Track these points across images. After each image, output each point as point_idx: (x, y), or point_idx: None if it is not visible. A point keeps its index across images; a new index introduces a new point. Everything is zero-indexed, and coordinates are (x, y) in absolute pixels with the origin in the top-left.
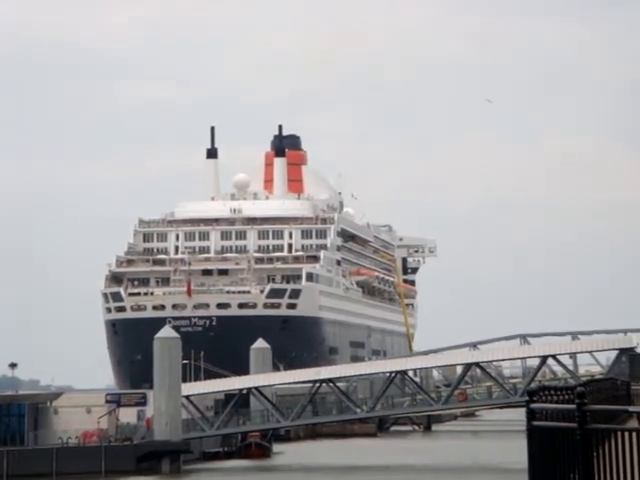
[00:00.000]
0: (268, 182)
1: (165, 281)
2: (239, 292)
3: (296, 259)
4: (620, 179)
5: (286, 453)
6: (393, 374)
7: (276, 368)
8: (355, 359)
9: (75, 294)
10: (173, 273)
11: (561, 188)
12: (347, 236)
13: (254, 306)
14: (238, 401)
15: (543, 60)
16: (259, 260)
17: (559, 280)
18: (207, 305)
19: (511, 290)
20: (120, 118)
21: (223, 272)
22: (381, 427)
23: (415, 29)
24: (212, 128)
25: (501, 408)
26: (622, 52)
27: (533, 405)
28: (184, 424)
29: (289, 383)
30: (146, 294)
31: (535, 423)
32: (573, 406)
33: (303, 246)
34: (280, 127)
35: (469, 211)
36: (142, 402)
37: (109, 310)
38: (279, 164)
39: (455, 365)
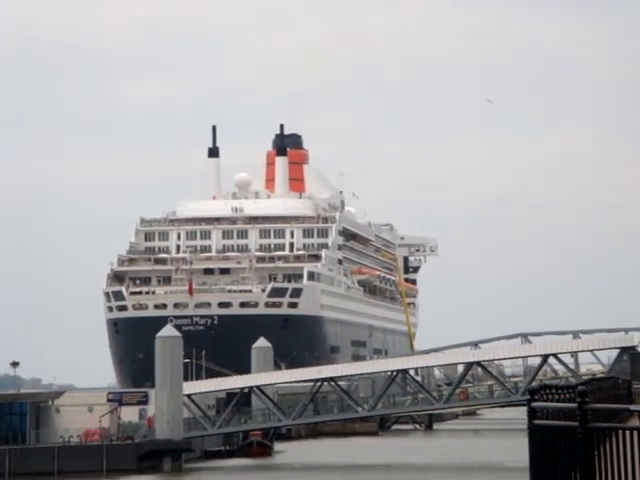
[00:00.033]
0: (269, 181)
1: (167, 280)
2: (240, 291)
3: (297, 258)
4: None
5: (287, 452)
6: (394, 373)
7: (277, 367)
8: (356, 358)
9: (77, 293)
10: (175, 272)
11: (561, 187)
12: (348, 235)
13: (255, 305)
14: (240, 400)
15: (543, 60)
16: (260, 259)
17: (560, 279)
18: (209, 304)
19: (512, 289)
20: (120, 118)
21: (225, 271)
22: (382, 426)
23: (415, 29)
24: (214, 127)
25: (502, 407)
26: (622, 52)
27: (534, 404)
28: (186, 423)
29: (290, 382)
30: (148, 293)
31: (536, 422)
32: (574, 405)
33: (304, 245)
34: (281, 126)
35: (470, 210)
36: (144, 401)
37: (111, 309)
38: (280, 163)
39: (456, 364)
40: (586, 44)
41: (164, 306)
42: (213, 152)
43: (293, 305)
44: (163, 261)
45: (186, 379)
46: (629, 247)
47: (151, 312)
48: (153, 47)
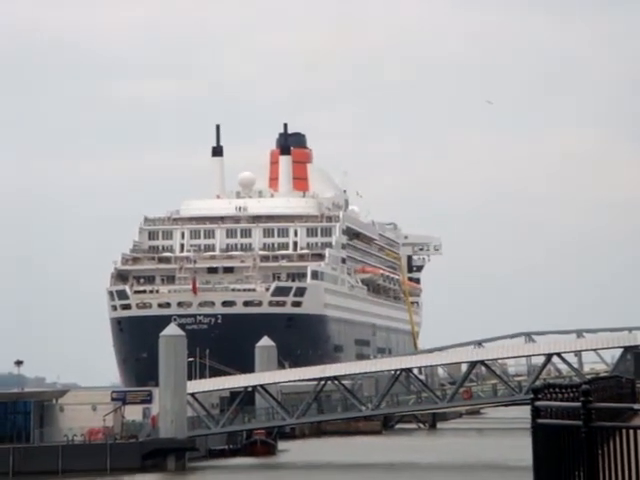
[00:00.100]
0: (273, 180)
1: (170, 279)
2: (244, 290)
3: (301, 257)
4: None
5: (291, 451)
6: (398, 372)
7: (281, 366)
8: (360, 357)
9: (79, 292)
10: (178, 271)
11: (563, 185)
12: (352, 234)
13: (259, 304)
14: (243, 399)
15: (543, 60)
16: (264, 258)
17: (564, 278)
18: (212, 303)
19: (516, 288)
20: (121, 118)
21: (228, 270)
22: (386, 425)
23: (415, 29)
24: (217, 126)
25: (506, 406)
26: (622, 52)
27: (538, 403)
28: (189, 422)
29: (294, 381)
30: (151, 292)
31: (540, 421)
32: (578, 404)
33: (308, 244)
34: (285, 125)
35: (474, 209)
36: (147, 400)
37: (115, 308)
38: (284, 162)
39: (460, 363)
40: (586, 44)
41: (168, 305)
42: (217, 151)
43: (297, 304)
44: (167, 260)
45: (190, 378)
46: (635, 245)
47: (155, 311)
48: (153, 47)
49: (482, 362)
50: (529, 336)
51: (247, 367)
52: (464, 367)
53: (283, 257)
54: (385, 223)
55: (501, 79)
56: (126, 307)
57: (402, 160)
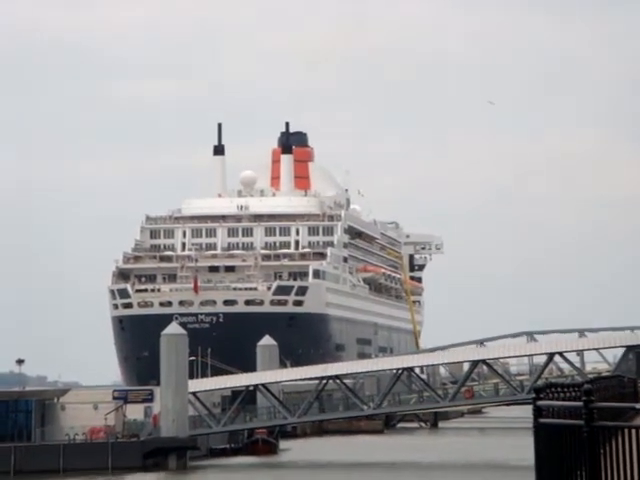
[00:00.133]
0: (275, 179)
1: (172, 278)
2: (246, 289)
3: (303, 256)
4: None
5: (293, 450)
6: (400, 371)
7: (283, 365)
8: (362, 356)
9: (82, 291)
10: (180, 270)
11: (563, 185)
12: (354, 233)
13: (261, 303)
14: (245, 398)
15: (543, 60)
16: (266, 257)
17: (565, 277)
18: (214, 302)
19: (517, 287)
20: (121, 117)
21: (230, 269)
22: (388, 424)
23: (415, 28)
24: (219, 125)
25: (508, 405)
26: (622, 52)
27: (540, 402)
28: (191, 421)
29: (296, 380)
30: (153, 290)
31: (542, 420)
32: (580, 403)
33: (310, 243)
34: (287, 124)
35: (474, 209)
36: (149, 399)
37: (116, 306)
38: (286, 161)
39: (462, 362)
40: (586, 44)
41: (169, 304)
42: (219, 150)
43: (298, 303)
44: (168, 259)
45: (191, 377)
46: (635, 245)
47: (156, 310)
48: (153, 47)
49: (484, 361)
50: (531, 335)
51: (248, 366)
52: (466, 366)
53: (285, 256)
54: (387, 222)
55: (501, 79)
56: (127, 306)
57: (402, 160)
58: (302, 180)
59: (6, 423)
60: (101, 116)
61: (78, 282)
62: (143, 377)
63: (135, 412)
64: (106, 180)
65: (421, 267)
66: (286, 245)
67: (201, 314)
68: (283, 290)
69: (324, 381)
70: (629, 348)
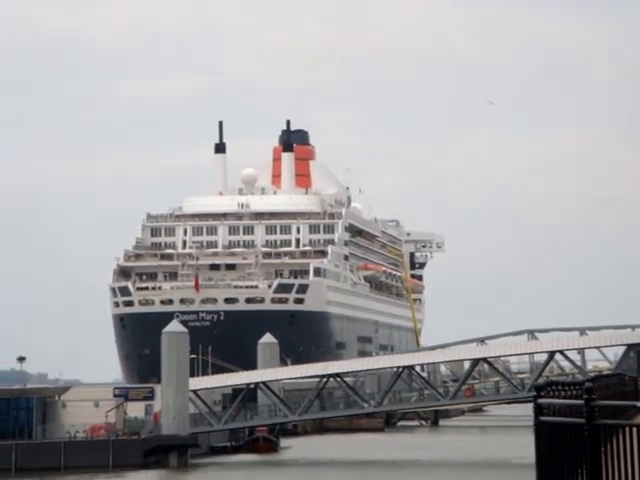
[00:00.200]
0: (276, 177)
1: (173, 275)
2: (247, 287)
3: (304, 254)
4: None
5: (293, 448)
6: (400, 369)
7: (283, 363)
8: (362, 354)
9: (83, 289)
10: (181, 268)
11: (563, 185)
12: (355, 231)
13: (262, 301)
14: (246, 396)
15: (543, 60)
16: (267, 255)
17: (566, 276)
18: (215, 300)
19: (519, 285)
20: (121, 117)
21: (231, 267)
22: (388, 422)
23: (415, 28)
24: (220, 123)
25: (509, 403)
26: (622, 52)
27: (541, 400)
28: (192, 418)
29: (296, 378)
30: (154, 288)
31: (543, 418)
32: (581, 402)
33: (311, 241)
34: (288, 122)
35: (474, 208)
36: (150, 396)
37: (117, 304)
38: (287, 159)
39: (462, 360)
40: (586, 44)
41: (170, 302)
42: (220, 148)
43: (299, 301)
44: (169, 257)
45: (192, 375)
46: (634, 245)
47: (157, 308)
48: (153, 47)
49: (485, 359)
50: (532, 333)
51: (249, 364)
52: (467, 364)
53: (285, 254)
54: (387, 220)
55: (501, 79)
56: (128, 304)
57: (402, 159)
58: (303, 178)
59: (7, 421)
60: (101, 116)
61: (79, 281)
62: (144, 375)
63: (136, 410)
64: (106, 179)
65: (422, 265)
66: (287, 243)
67: (202, 312)
68: (284, 288)
69: (325, 379)
70: (630, 346)
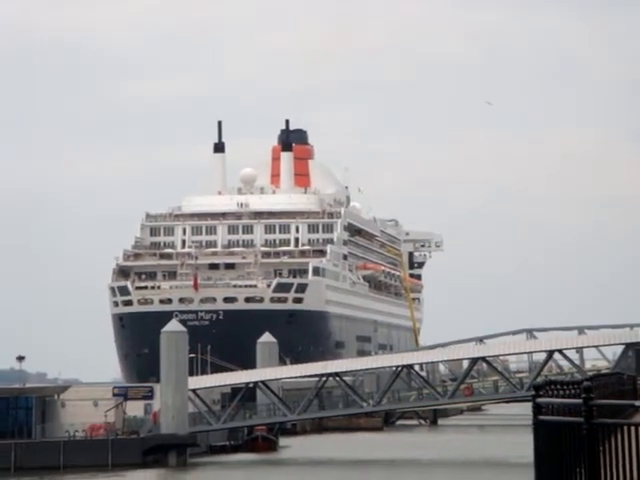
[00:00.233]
0: (275, 176)
1: (172, 275)
2: (246, 286)
3: (303, 253)
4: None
5: (292, 447)
6: (399, 368)
7: (282, 362)
8: (361, 353)
9: (82, 288)
10: (180, 267)
11: (563, 185)
12: (354, 230)
13: (261, 300)
14: (245, 395)
15: (543, 60)
16: (266, 254)
17: (565, 275)
18: (214, 299)
19: (516, 287)
20: (121, 117)
21: (230, 266)
22: (387, 421)
23: (415, 28)
24: (219, 122)
25: (507, 402)
26: (622, 52)
27: (539, 399)
28: (191, 418)
29: (296, 377)
30: (153, 288)
31: (541, 417)
32: (580, 401)
33: (310, 240)
34: (287, 122)
35: (474, 209)
36: (149, 395)
37: (116, 304)
38: (286, 158)
39: (461, 359)
40: (586, 44)
41: (169, 301)
42: (219, 147)
43: (298, 300)
44: (168, 256)
45: (191, 374)
46: (635, 245)
47: (156, 307)
48: (153, 47)
49: (483, 359)
50: (530, 333)
51: (248, 363)
52: (465, 363)
53: (284, 253)
54: (386, 219)
55: (501, 79)
56: (128, 303)
57: (402, 159)
58: (302, 177)
59: (6, 420)
60: (101, 116)
61: (78, 280)
62: (143, 374)
63: (135, 409)
64: (106, 179)
65: (421, 265)
66: (286, 242)
67: (201, 311)
68: (283, 287)
69: (324, 378)
70: (628, 345)
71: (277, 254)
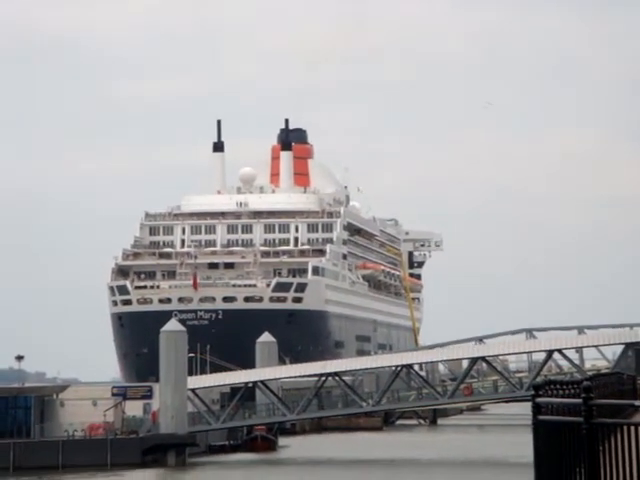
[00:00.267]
0: (274, 176)
1: (171, 274)
2: (245, 286)
3: (302, 253)
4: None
5: (292, 446)
6: (399, 368)
7: (282, 362)
8: (361, 353)
9: (81, 288)
10: (179, 266)
11: (563, 185)
12: (353, 230)
13: (260, 300)
14: (244, 394)
15: (543, 60)
16: (265, 254)
17: (565, 275)
18: (213, 298)
19: (516, 287)
20: (121, 116)
21: (229, 266)
22: (387, 421)
23: (415, 28)
24: (218, 122)
25: (507, 402)
26: (622, 52)
27: (539, 399)
28: (190, 417)
29: (295, 377)
30: (152, 287)
31: (541, 417)
32: (579, 400)
33: (309, 240)
34: (287, 121)
35: (474, 209)
36: (148, 395)
37: (115, 303)
38: (285, 158)
39: (461, 359)
40: (586, 44)
41: (169, 300)
42: (218, 147)
43: (298, 300)
44: (168, 255)
45: (190, 373)
46: (635, 245)
47: (155, 306)
48: (153, 47)
49: (483, 358)
50: (530, 332)
51: (248, 363)
52: (465, 363)
53: (284, 253)
54: (386, 219)
55: (501, 79)
56: (127, 302)
57: (402, 159)
58: (301, 177)
59: (5, 419)
60: (101, 115)
61: (78, 279)
62: (142, 374)
63: (134, 409)
64: (106, 178)
65: (420, 264)
66: (285, 242)
67: (200, 311)
68: (282, 287)
69: (323, 378)
70: (628, 345)
71: (276, 253)
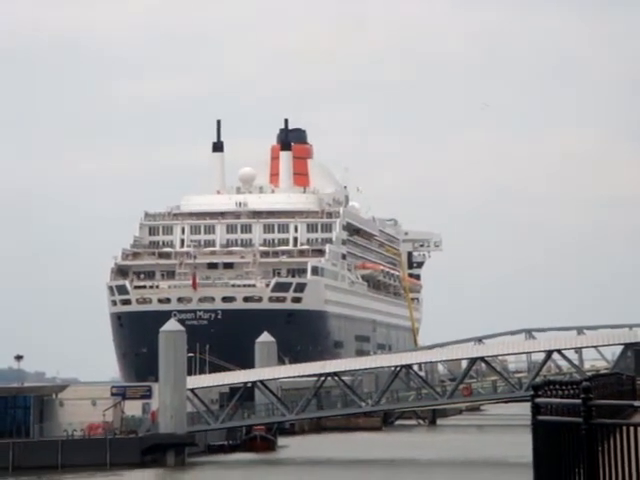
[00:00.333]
0: (274, 176)
1: (170, 274)
2: (244, 286)
3: (301, 253)
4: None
5: (291, 446)
6: (398, 368)
7: (281, 362)
8: (360, 353)
9: (81, 288)
10: (179, 266)
11: (563, 185)
12: (352, 230)
13: (259, 300)
14: (243, 394)
15: (543, 60)
16: (264, 254)
17: (564, 275)
18: (212, 298)
19: (516, 287)
20: (121, 116)
21: (228, 266)
22: (386, 421)
23: (415, 28)
24: (218, 122)
25: (506, 402)
26: (622, 52)
27: (538, 400)
28: (189, 417)
29: (294, 377)
30: (152, 287)
31: (540, 418)
32: (578, 401)
33: (308, 240)
34: (286, 121)
35: (474, 209)
36: (147, 395)
37: (115, 303)
38: (285, 158)
39: (460, 359)
40: (586, 44)
41: (168, 300)
42: (217, 147)
43: (297, 300)
44: (167, 255)
45: (189, 373)
46: (635, 245)
47: (155, 306)
48: (153, 47)
49: (482, 359)
50: (529, 333)
51: (247, 363)
52: (464, 363)
53: (283, 253)
54: (385, 219)
55: (501, 79)
56: (126, 302)
57: (402, 159)
58: (301, 177)
59: (4, 419)
60: (101, 115)
61: (77, 279)
62: (141, 373)
63: (133, 408)
64: (106, 178)
65: (420, 264)
66: (285, 242)
67: (199, 311)
68: (281, 287)
69: (322, 378)
70: (627, 346)
71: (276, 253)
